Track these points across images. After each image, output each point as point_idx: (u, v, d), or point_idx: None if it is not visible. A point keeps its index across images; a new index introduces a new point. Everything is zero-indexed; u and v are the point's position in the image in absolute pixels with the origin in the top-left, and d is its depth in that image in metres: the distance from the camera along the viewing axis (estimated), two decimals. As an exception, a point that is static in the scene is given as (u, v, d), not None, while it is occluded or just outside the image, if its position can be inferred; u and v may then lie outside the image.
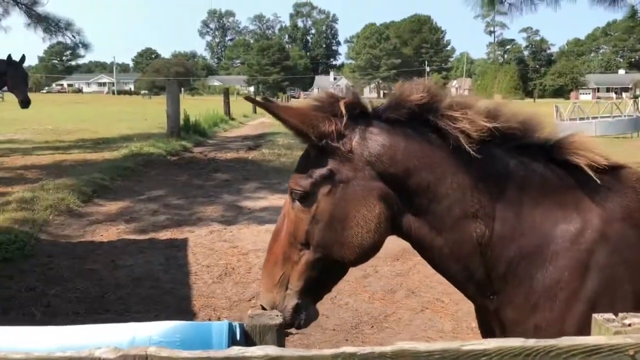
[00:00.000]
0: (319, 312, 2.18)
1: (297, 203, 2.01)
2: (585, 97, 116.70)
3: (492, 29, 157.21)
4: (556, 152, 2.04)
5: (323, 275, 2.06)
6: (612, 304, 1.89)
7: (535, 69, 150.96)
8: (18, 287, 5.96)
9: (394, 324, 5.38)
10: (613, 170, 2.05)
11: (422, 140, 1.99)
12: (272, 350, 1.43)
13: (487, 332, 2.16)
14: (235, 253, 7.21)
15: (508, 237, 1.97)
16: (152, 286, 6.13)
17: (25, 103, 11.60)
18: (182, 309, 5.60)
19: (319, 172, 1.99)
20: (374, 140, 1.97)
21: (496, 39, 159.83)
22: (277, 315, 1.99)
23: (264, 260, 2.13)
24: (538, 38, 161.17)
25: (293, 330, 2.23)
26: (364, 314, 5.54)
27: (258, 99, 2.28)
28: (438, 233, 1.99)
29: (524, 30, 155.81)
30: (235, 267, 6.72)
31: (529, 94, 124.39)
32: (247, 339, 1.91)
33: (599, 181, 1.99)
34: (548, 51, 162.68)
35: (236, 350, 1.42)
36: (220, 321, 1.80)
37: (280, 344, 1.91)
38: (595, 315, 1.62)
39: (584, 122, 25.53)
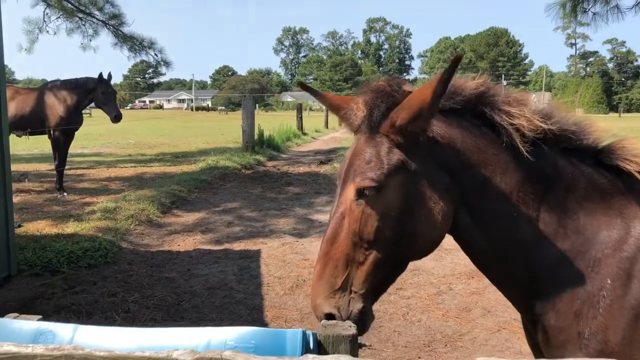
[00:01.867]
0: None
1: (364, 200, 1.92)
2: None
3: (573, 40, 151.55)
4: (605, 156, 2.01)
5: (388, 274, 2.01)
6: None
7: (621, 82, 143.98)
8: (101, 292, 6.22)
9: (469, 344, 5.20)
10: None
11: (476, 133, 1.99)
12: (346, 359, 1.40)
13: (531, 338, 2.16)
14: (306, 265, 7.23)
15: (552, 239, 1.96)
16: (226, 295, 6.24)
17: (118, 118, 12.26)
18: (254, 318, 5.66)
19: (390, 163, 1.91)
20: (436, 129, 1.96)
21: (578, 52, 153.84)
22: (350, 326, 1.96)
23: (318, 267, 1.98)
24: (624, 49, 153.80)
25: (366, 342, 2.21)
26: (437, 332, 5.39)
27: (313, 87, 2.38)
28: (484, 232, 1.99)
29: (609, 41, 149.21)
30: (307, 279, 6.73)
31: (613, 108, 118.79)
32: (320, 349, 1.89)
33: None
34: (635, 63, 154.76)
35: (310, 358, 1.40)
36: (295, 329, 1.79)
37: (354, 355, 1.88)
38: None
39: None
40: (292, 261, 7.44)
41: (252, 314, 5.78)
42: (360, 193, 1.91)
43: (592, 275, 1.90)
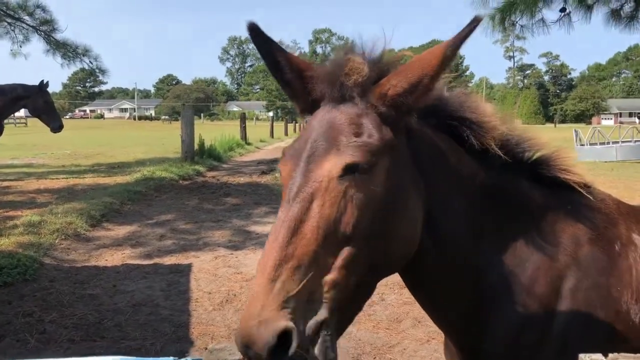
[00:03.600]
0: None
1: (350, 179, 1.56)
2: (608, 122, 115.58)
3: (511, 53, 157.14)
4: (543, 168, 1.98)
5: (357, 291, 1.60)
6: (586, 331, 1.84)
7: (556, 94, 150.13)
8: (15, 312, 5.85)
9: (398, 355, 5.14)
10: (586, 189, 2.01)
11: (437, 137, 1.87)
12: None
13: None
14: (238, 279, 7.04)
15: (494, 263, 1.89)
16: (151, 312, 5.99)
17: (61, 128, 11.86)
18: (179, 336, 5.44)
19: (384, 140, 1.63)
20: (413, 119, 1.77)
21: (516, 64, 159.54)
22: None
23: (269, 267, 1.47)
24: (558, 63, 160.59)
25: None
26: (367, 344, 5.31)
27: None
28: (439, 249, 1.83)
29: (544, 55, 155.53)
30: (237, 293, 6.54)
31: (549, 119, 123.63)
32: (204, 378, 1.75)
33: (589, 199, 1.98)
34: (569, 76, 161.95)
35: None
36: (167, 357, 1.64)
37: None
38: (581, 356, 1.42)
39: (604, 147, 25.10)
40: (224, 275, 7.23)
41: (177, 332, 5.55)
42: (348, 170, 1.56)
43: (527, 300, 1.86)
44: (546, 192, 1.97)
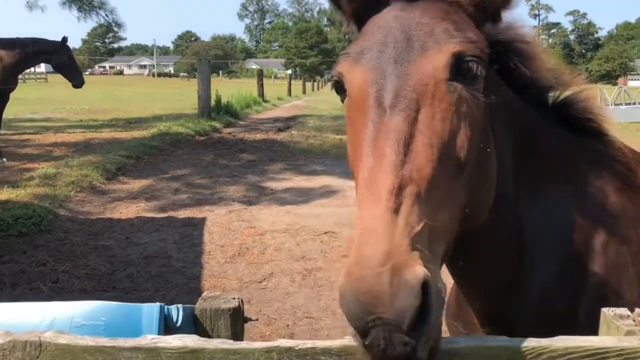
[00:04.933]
0: None
1: (462, 83, 1.30)
2: (635, 82, 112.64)
3: (536, 12, 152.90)
4: (569, 110, 1.81)
5: (451, 241, 1.32)
6: (618, 289, 1.70)
7: (581, 54, 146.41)
8: (29, 261, 5.88)
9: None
10: (607, 137, 1.88)
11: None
12: (191, 341, 1.17)
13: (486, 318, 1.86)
14: (251, 233, 7.00)
15: (530, 219, 1.72)
16: (163, 264, 5.99)
17: (82, 84, 11.93)
18: (190, 288, 5.43)
19: (485, 43, 1.40)
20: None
21: (541, 23, 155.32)
22: (234, 298, 1.75)
23: (380, 193, 1.13)
24: (585, 21, 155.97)
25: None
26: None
27: None
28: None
29: (571, 13, 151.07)
30: (250, 247, 6.51)
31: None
32: (197, 324, 1.67)
33: (611, 147, 1.85)
34: (596, 35, 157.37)
35: (148, 340, 1.17)
36: (153, 304, 1.56)
37: (236, 331, 1.66)
38: (604, 310, 1.31)
39: (630, 107, 24.45)
40: (237, 229, 7.20)
41: (189, 283, 5.55)
42: (459, 63, 1.30)
43: (561, 261, 1.73)
44: (572, 137, 1.83)
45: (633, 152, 1.98)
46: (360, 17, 1.53)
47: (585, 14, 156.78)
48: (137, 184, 9.67)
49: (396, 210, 1.10)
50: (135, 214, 7.89)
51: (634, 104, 24.98)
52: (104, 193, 9.04)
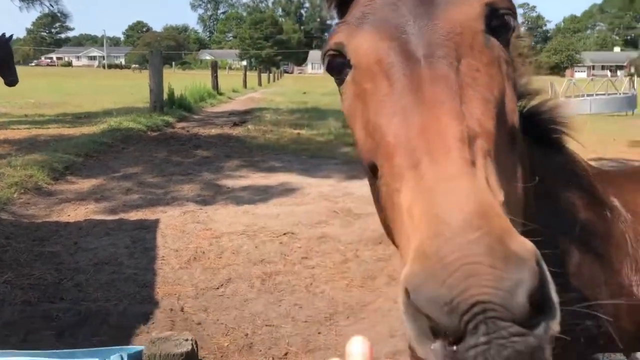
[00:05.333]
0: None
1: (495, 43, 1.14)
2: (581, 74, 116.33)
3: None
4: (535, 120, 1.63)
5: None
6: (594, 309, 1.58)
7: (531, 46, 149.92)
8: (-33, 272, 5.51)
9: (372, 314, 4.98)
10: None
11: None
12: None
13: None
14: (207, 236, 6.76)
15: None
16: (114, 271, 5.70)
17: (14, 83, 11.31)
18: (143, 297, 5.18)
19: None
20: None
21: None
22: (186, 340, 1.56)
23: (450, 141, 0.92)
24: (534, 14, 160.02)
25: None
26: (341, 303, 5.13)
27: None
28: None
29: (521, 6, 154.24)
30: (206, 251, 6.28)
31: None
32: (145, 373, 1.48)
33: (574, 161, 1.76)
34: (544, 28, 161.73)
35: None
36: (112, 347, 1.36)
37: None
38: (599, 356, 1.18)
39: (579, 100, 25.09)
40: (192, 231, 6.94)
41: (142, 292, 5.29)
42: (493, 15, 1.13)
43: None
44: (538, 149, 1.69)
45: (590, 166, 1.88)
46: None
47: (535, 7, 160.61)
48: (86, 184, 9.26)
49: (473, 164, 0.88)
50: (84, 217, 7.52)
51: (583, 96, 25.66)
52: (51, 194, 8.61)
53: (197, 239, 6.68)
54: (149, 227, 7.08)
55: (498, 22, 1.15)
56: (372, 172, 1.10)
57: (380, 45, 1.10)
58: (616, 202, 1.75)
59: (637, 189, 1.82)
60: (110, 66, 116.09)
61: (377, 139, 1.05)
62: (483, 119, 0.98)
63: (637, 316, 1.67)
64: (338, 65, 1.21)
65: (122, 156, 11.65)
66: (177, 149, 12.58)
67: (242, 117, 19.54)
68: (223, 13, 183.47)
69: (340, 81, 1.23)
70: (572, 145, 1.78)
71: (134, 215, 7.58)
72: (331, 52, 1.21)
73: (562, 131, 1.70)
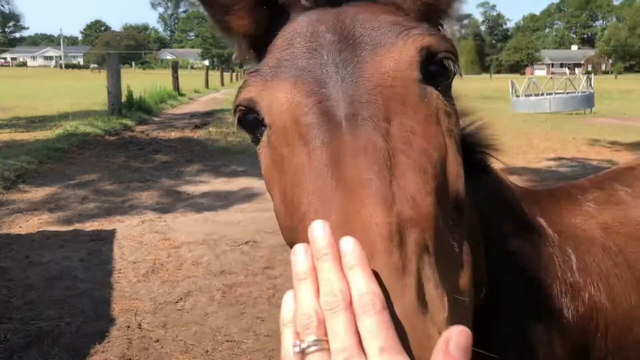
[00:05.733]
0: None
1: (433, 92, 1.00)
2: (540, 72, 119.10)
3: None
4: (469, 142, 1.45)
5: None
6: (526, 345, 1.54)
7: (492, 44, 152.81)
8: None
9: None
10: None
11: None
12: None
13: None
14: (166, 246, 6.56)
15: None
16: (68, 286, 5.46)
17: None
18: (99, 314, 4.97)
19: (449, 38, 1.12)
20: None
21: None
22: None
23: (382, 243, 0.79)
24: (495, 13, 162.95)
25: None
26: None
27: None
28: None
29: (481, 5, 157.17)
30: (165, 262, 6.08)
31: (485, 69, 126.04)
32: None
33: (500, 183, 1.65)
34: (504, 26, 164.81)
35: None
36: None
37: None
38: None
39: (539, 98, 25.54)
40: (150, 242, 6.73)
41: (97, 308, 5.07)
42: (430, 60, 1.00)
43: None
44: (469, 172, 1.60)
45: (515, 186, 1.80)
46: (259, 39, 1.16)
47: (495, 5, 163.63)
48: (39, 193, 8.91)
49: (404, 271, 0.77)
50: (37, 228, 7.22)
51: (542, 94, 26.13)
52: (1, 205, 8.25)
53: (156, 249, 6.47)
54: (106, 238, 6.83)
55: (436, 68, 1.01)
56: None
57: (297, 101, 0.96)
58: (543, 222, 1.68)
59: (561, 206, 1.77)
60: (67, 66, 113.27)
61: (296, 220, 0.91)
62: (419, 197, 0.84)
63: (569, 341, 1.61)
64: (251, 123, 1.06)
65: (78, 162, 11.28)
66: (135, 154, 12.26)
67: (204, 118, 19.25)
68: (184, 12, 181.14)
69: (255, 140, 1.07)
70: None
71: (89, 226, 7.32)
72: (241, 109, 1.06)
73: (486, 153, 1.60)
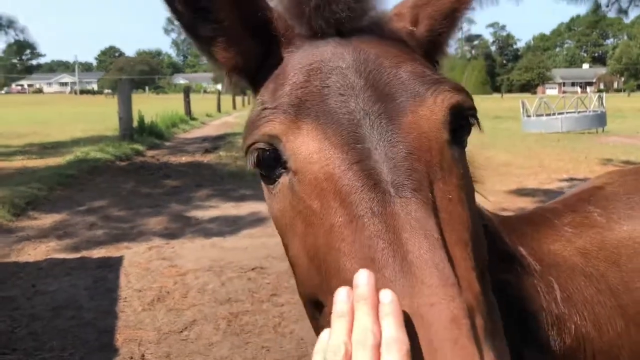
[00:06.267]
0: None
1: (459, 152, 1.01)
2: (552, 91, 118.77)
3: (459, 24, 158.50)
4: None
5: None
6: None
7: (503, 64, 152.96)
8: None
9: (343, 355, 4.77)
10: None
11: None
12: None
13: None
14: (172, 274, 6.51)
15: None
16: (73, 316, 5.42)
17: None
18: (102, 344, 4.91)
19: None
20: None
21: (463, 34, 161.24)
22: None
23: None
24: (505, 33, 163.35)
25: None
26: (310, 344, 4.91)
27: None
28: None
29: (491, 25, 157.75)
30: (171, 290, 6.02)
31: (496, 89, 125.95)
32: None
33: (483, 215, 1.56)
34: (515, 46, 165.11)
35: None
36: None
37: None
38: None
39: (550, 118, 25.40)
40: (157, 269, 6.68)
41: (101, 338, 5.02)
42: (457, 119, 0.99)
43: None
44: None
45: (493, 215, 1.75)
46: (252, 70, 1.13)
47: (505, 26, 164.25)
48: (48, 220, 8.93)
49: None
50: (44, 256, 7.21)
51: (554, 114, 25.98)
52: (11, 232, 8.27)
53: (162, 277, 6.42)
54: (112, 266, 6.80)
55: (461, 124, 1.00)
56: (315, 307, 0.94)
57: (332, 155, 0.91)
58: (523, 251, 1.62)
59: (540, 233, 1.71)
60: (82, 92, 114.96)
61: (330, 277, 0.89)
62: (470, 277, 0.85)
63: None
64: (269, 162, 1.00)
65: (88, 188, 11.32)
66: (145, 179, 12.29)
67: (215, 143, 19.32)
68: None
69: (270, 181, 1.01)
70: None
71: (97, 253, 7.30)
72: (260, 147, 0.99)
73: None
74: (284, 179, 0.98)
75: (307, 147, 0.93)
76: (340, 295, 0.82)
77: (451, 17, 1.18)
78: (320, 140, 0.92)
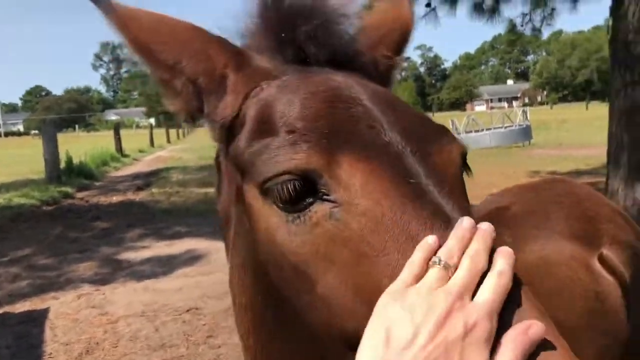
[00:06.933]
0: None
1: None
2: (480, 107, 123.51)
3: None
4: None
5: None
6: None
7: (432, 84, 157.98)
8: None
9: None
10: None
11: None
12: None
13: None
14: (102, 322, 6.19)
15: None
16: (-9, 380, 5.04)
17: None
18: (24, 408, 4.57)
19: None
20: None
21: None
22: None
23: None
24: (432, 54, 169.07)
25: None
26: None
27: None
28: None
29: (418, 47, 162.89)
30: (100, 341, 5.71)
31: (427, 108, 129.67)
32: None
33: None
34: (442, 66, 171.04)
35: None
36: None
37: None
38: None
39: (479, 134, 26.25)
40: (86, 319, 6.34)
41: (23, 401, 4.67)
42: (463, 162, 1.07)
43: None
44: None
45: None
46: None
47: (432, 47, 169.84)
48: (-34, 275, 8.36)
49: None
50: (-39, 315, 6.72)
51: (482, 130, 26.89)
52: None
53: (91, 327, 6.09)
54: (37, 319, 6.40)
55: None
56: (348, 345, 0.86)
57: (392, 190, 0.88)
58: None
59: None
60: (7, 134, 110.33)
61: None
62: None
63: None
64: (299, 193, 0.90)
65: (11, 237, 10.71)
66: (73, 223, 11.76)
67: (147, 179, 18.82)
68: (126, 72, 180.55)
69: (294, 209, 0.91)
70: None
71: (20, 307, 6.86)
72: (291, 178, 0.90)
73: None
74: (321, 208, 0.90)
75: (357, 181, 0.89)
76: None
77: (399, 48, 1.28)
78: (374, 175, 0.89)
